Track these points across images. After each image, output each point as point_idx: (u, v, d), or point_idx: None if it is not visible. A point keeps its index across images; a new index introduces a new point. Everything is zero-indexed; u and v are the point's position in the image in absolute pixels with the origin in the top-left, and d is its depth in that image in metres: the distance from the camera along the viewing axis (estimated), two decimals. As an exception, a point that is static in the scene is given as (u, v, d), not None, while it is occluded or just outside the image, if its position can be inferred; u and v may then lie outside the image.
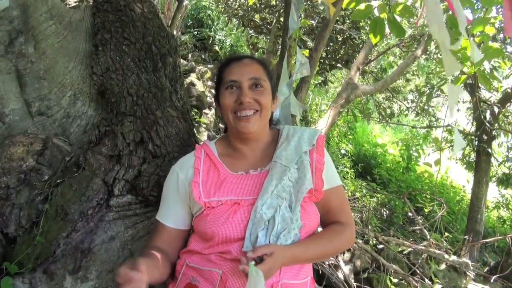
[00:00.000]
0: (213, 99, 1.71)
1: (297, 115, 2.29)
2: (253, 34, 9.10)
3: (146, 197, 1.72)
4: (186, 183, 1.45)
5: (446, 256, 4.28)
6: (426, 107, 9.26)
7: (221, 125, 7.28)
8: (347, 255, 4.11)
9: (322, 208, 1.47)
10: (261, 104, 1.43)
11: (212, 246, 1.36)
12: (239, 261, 1.23)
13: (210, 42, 10.01)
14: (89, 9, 2.08)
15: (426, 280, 3.88)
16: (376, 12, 2.62)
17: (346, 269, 3.82)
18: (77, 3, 2.50)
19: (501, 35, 4.84)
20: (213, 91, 4.93)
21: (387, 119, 10.09)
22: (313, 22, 7.26)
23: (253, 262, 1.19)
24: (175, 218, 1.50)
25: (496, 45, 2.98)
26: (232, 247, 1.32)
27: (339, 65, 8.57)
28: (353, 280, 3.74)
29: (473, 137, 7.61)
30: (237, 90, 1.44)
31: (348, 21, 7.77)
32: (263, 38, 9.28)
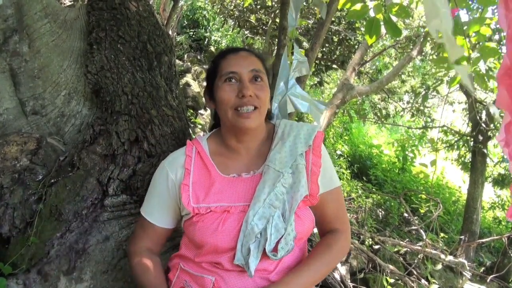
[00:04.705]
0: (203, 93, 1.64)
1: (320, 115, 2.23)
2: (248, 34, 9.08)
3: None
4: (176, 184, 1.41)
5: (442, 256, 4.28)
6: (421, 108, 9.28)
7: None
8: (343, 256, 4.11)
9: (316, 211, 1.42)
10: (261, 100, 1.37)
11: (202, 254, 1.33)
12: (231, 271, 1.26)
13: (205, 42, 10.02)
14: (84, 8, 2.06)
15: (423, 280, 3.88)
16: (371, 13, 2.61)
17: (342, 269, 3.82)
18: (72, 2, 2.48)
19: (497, 36, 4.86)
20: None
21: (382, 120, 10.10)
22: (309, 21, 7.26)
23: None
24: (163, 217, 1.47)
25: (492, 45, 2.98)
26: (223, 258, 1.29)
27: (334, 66, 8.57)
28: (349, 281, 3.74)
29: (468, 137, 7.64)
30: (236, 83, 1.38)
31: (344, 22, 7.78)
32: (258, 38, 9.27)
